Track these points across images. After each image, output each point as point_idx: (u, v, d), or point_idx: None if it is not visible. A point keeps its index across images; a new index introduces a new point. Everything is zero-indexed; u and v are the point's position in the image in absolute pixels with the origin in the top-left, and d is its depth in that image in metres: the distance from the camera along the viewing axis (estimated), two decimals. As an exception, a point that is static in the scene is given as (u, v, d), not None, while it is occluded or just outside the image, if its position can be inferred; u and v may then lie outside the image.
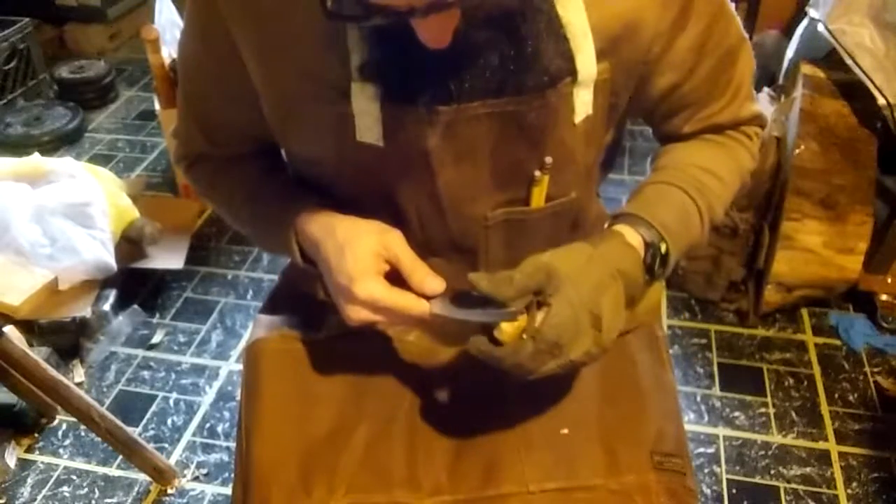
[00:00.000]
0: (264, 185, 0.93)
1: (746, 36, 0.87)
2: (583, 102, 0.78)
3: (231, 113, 0.89)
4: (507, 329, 0.73)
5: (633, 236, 0.80)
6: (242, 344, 2.07)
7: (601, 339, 0.73)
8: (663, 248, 0.81)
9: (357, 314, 0.77)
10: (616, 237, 0.80)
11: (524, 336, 0.71)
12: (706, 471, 1.74)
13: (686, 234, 0.84)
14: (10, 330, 1.45)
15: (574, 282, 0.73)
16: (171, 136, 0.96)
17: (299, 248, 0.85)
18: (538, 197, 0.84)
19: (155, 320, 2.17)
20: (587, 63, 0.75)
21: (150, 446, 1.67)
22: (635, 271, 0.78)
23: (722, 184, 0.88)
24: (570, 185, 0.86)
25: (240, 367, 1.98)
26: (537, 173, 0.82)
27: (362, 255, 0.77)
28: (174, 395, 1.94)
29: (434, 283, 0.77)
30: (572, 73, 0.75)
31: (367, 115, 0.76)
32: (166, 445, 1.81)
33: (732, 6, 0.84)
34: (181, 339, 2.11)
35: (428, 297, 0.77)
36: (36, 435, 1.83)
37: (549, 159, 0.80)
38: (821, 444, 1.81)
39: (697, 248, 0.90)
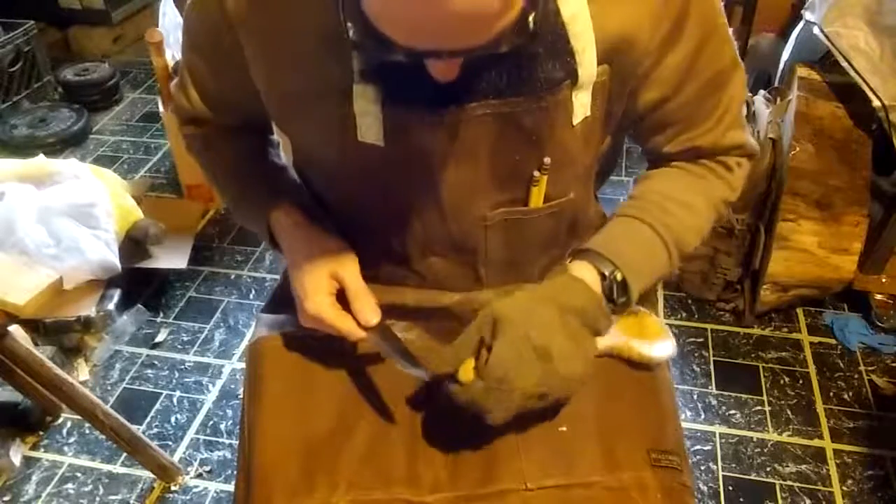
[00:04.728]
0: (250, 169, 0.97)
1: (740, 61, 0.86)
2: (581, 104, 0.79)
3: (229, 95, 0.92)
4: (463, 371, 0.78)
5: (586, 271, 0.84)
6: (245, 342, 2.08)
7: (553, 369, 0.76)
8: (619, 276, 0.83)
9: (306, 322, 0.86)
10: (562, 274, 0.84)
11: (475, 375, 0.77)
12: (703, 468, 1.76)
13: (649, 266, 0.87)
14: (15, 329, 1.45)
15: (514, 323, 0.77)
16: (174, 88, 0.99)
17: (273, 237, 0.94)
18: (537, 197, 0.86)
19: (159, 319, 2.18)
20: (588, 69, 0.76)
21: (154, 444, 1.68)
22: (586, 303, 0.80)
23: (694, 216, 0.90)
24: (568, 185, 0.87)
25: (242, 365, 1.99)
26: (536, 174, 0.83)
27: (317, 275, 0.85)
28: (178, 394, 1.96)
29: (369, 315, 0.84)
30: (573, 78, 0.76)
31: (368, 115, 0.77)
32: (170, 443, 1.82)
33: (730, 30, 0.84)
34: (185, 337, 2.13)
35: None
36: (41, 433, 1.85)
37: (547, 160, 0.81)
38: (816, 442, 1.82)
39: (666, 277, 0.93)
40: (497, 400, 0.76)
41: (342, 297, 0.86)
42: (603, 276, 0.83)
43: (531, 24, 0.62)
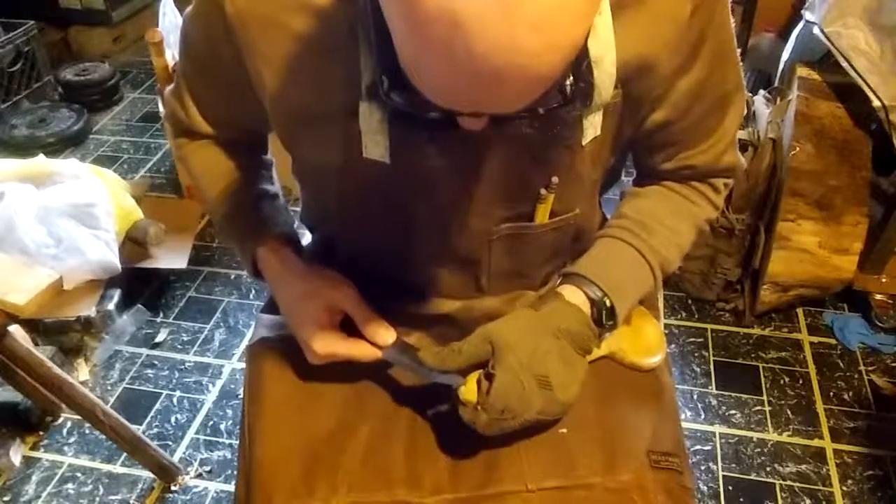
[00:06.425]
0: (240, 194, 0.97)
1: (744, 85, 0.87)
2: (592, 124, 0.79)
3: (228, 110, 0.92)
4: (465, 391, 0.80)
5: (577, 295, 0.86)
6: (245, 342, 2.08)
7: (554, 397, 0.79)
8: (608, 302, 0.86)
9: (318, 360, 0.87)
10: (558, 298, 0.85)
11: (477, 407, 0.79)
12: (703, 468, 1.76)
13: (635, 289, 0.90)
14: (15, 329, 1.45)
15: (516, 350, 0.79)
16: (168, 95, 0.98)
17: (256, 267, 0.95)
18: (543, 213, 0.86)
19: (159, 319, 2.18)
20: (604, 96, 0.75)
21: (154, 444, 1.67)
22: (578, 327, 0.83)
23: (679, 238, 0.92)
24: (574, 201, 0.87)
25: (242, 365, 1.99)
26: (543, 191, 0.83)
27: (316, 313, 0.86)
28: (178, 394, 1.96)
29: (384, 335, 0.86)
30: (587, 102, 0.75)
31: (374, 133, 0.76)
32: (170, 443, 1.82)
33: (738, 52, 0.84)
34: (185, 337, 2.13)
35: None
36: (41, 433, 1.85)
37: (555, 179, 0.81)
38: (816, 442, 1.82)
39: (648, 297, 0.95)
40: (498, 427, 0.79)
41: (346, 322, 0.87)
42: (592, 301, 0.86)
43: (568, 89, 0.62)
